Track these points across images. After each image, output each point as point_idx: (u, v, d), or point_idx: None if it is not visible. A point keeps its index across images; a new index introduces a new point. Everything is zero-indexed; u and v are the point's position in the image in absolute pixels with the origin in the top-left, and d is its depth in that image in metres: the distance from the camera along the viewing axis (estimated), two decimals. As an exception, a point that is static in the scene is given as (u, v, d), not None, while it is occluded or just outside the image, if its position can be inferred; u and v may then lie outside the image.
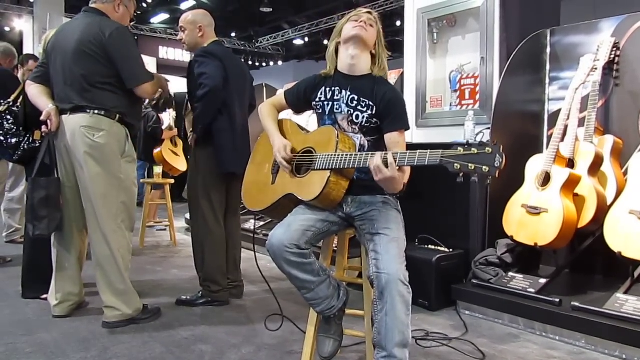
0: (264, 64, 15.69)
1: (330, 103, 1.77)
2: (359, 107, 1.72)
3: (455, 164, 1.35)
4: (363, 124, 1.72)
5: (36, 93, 2.33)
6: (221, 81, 2.44)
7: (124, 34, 2.28)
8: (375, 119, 1.72)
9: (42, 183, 2.26)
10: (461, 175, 1.36)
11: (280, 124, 1.90)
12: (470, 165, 1.34)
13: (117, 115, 2.27)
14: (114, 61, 2.22)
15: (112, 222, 2.27)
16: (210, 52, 2.51)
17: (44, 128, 2.29)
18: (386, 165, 1.47)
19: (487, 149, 1.33)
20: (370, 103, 1.71)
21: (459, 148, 1.37)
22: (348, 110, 1.73)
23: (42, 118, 2.27)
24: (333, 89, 1.76)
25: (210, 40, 2.62)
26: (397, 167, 1.48)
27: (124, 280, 2.30)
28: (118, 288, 2.28)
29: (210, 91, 2.41)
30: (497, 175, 1.33)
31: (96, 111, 2.22)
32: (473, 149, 1.35)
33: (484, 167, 1.33)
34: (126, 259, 2.33)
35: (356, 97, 1.72)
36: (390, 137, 1.69)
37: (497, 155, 1.32)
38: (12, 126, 2.59)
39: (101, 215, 2.25)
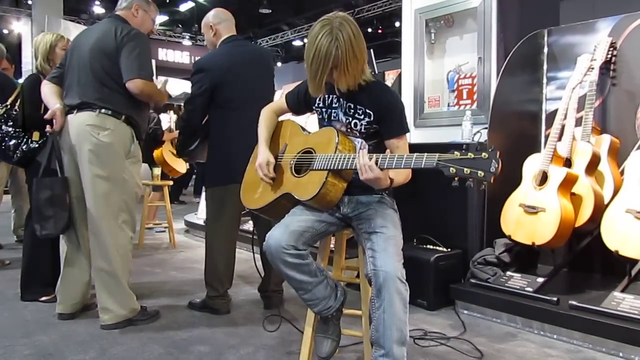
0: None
1: (328, 110, 1.76)
2: (357, 115, 1.70)
3: (451, 168, 1.35)
4: (362, 130, 1.72)
5: (48, 92, 2.37)
6: (197, 113, 2.55)
7: (138, 36, 2.28)
8: (374, 125, 1.70)
9: (46, 183, 2.28)
10: (457, 179, 1.36)
11: (280, 124, 1.91)
12: (466, 169, 1.34)
13: (124, 116, 2.27)
14: (120, 57, 2.22)
15: (112, 221, 2.27)
16: (202, 67, 2.48)
17: (48, 127, 2.30)
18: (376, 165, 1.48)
19: (483, 154, 1.33)
20: (368, 110, 1.69)
21: (456, 152, 1.37)
22: (346, 119, 1.72)
23: (46, 116, 2.29)
24: (331, 96, 1.74)
25: (223, 37, 2.60)
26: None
27: (119, 281, 2.29)
28: (112, 289, 2.28)
29: (187, 126, 2.65)
30: (492, 181, 1.33)
31: (103, 110, 2.23)
32: (469, 154, 1.35)
33: (480, 172, 1.32)
34: (125, 258, 2.33)
35: (352, 105, 1.70)
36: (390, 143, 1.69)
37: (493, 161, 1.32)
38: (11, 128, 2.61)
39: (101, 214, 2.26)
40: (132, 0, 2.41)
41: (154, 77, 2.53)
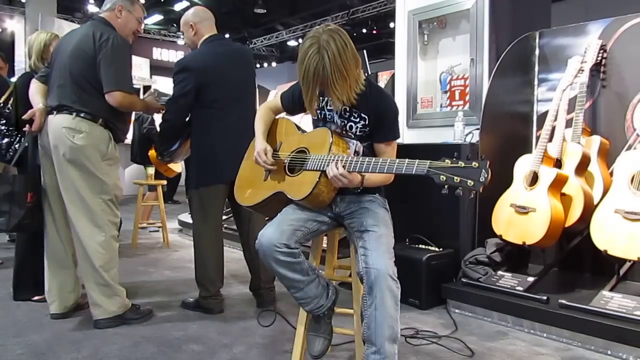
0: (257, 65, 15.70)
1: (323, 112, 1.77)
2: (352, 118, 1.71)
3: (442, 176, 1.38)
4: (357, 133, 1.73)
5: (34, 91, 2.39)
6: (181, 113, 2.52)
7: (118, 42, 2.27)
8: (368, 128, 1.72)
9: (9, 179, 2.32)
10: (446, 187, 1.39)
11: (275, 123, 1.92)
12: (455, 178, 1.37)
13: (101, 119, 2.28)
14: (99, 64, 2.22)
15: (91, 222, 2.27)
16: (186, 67, 2.45)
17: (27, 127, 2.31)
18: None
19: (474, 163, 1.36)
20: (363, 114, 1.70)
21: (447, 160, 1.39)
22: (341, 122, 1.73)
23: (25, 116, 2.30)
24: (326, 98, 1.73)
25: (205, 37, 2.55)
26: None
27: (106, 277, 2.29)
28: (100, 285, 2.29)
29: (170, 126, 2.57)
30: (481, 190, 1.36)
31: (82, 114, 2.24)
32: (460, 162, 1.37)
33: (469, 181, 1.35)
34: (110, 255, 2.33)
35: (348, 109, 1.71)
36: (378, 147, 1.71)
37: (483, 171, 1.34)
38: (3, 127, 2.60)
39: (79, 215, 2.26)
40: (116, 1, 2.39)
41: (149, 77, 2.53)
